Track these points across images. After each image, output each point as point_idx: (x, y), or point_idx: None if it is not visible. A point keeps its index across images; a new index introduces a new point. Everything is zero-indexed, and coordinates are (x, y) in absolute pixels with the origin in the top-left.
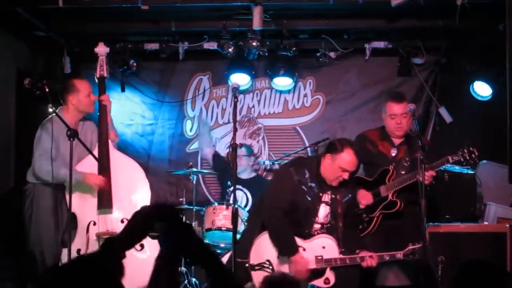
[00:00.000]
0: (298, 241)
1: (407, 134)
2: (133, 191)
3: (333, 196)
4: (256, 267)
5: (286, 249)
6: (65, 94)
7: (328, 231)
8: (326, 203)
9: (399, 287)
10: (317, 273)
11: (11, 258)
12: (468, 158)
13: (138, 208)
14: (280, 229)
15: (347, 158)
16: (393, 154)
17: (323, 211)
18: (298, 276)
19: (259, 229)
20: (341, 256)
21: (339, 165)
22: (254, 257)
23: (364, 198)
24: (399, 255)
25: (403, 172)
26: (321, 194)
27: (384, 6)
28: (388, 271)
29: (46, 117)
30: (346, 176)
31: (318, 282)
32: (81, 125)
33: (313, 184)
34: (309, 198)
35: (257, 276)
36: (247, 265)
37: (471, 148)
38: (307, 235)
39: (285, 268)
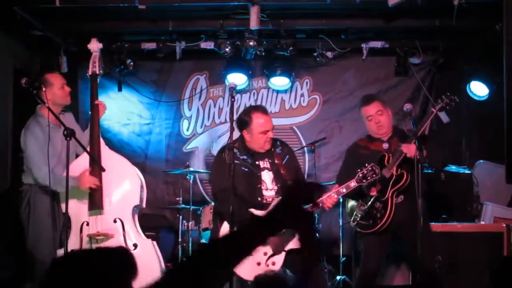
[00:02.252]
0: (258, 213)
1: (394, 129)
2: (125, 190)
3: (270, 161)
4: None
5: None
6: (40, 90)
7: (280, 194)
8: (268, 169)
9: (405, 286)
10: (289, 234)
11: (10, 257)
12: (449, 101)
13: (130, 206)
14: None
15: (260, 122)
16: (386, 148)
17: (267, 176)
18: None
19: (220, 222)
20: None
21: (258, 131)
22: None
23: (371, 188)
24: (353, 183)
25: None
26: (257, 162)
27: (381, 6)
28: (395, 271)
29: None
30: (271, 134)
31: (294, 243)
32: (61, 119)
33: (244, 157)
34: (246, 169)
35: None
36: None
37: (448, 93)
38: (264, 206)
39: None
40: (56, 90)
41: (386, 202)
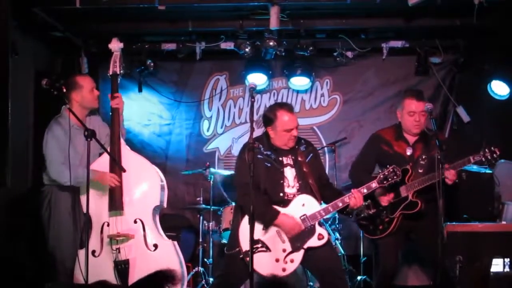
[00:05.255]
0: (279, 209)
1: (422, 131)
2: (145, 190)
3: (293, 158)
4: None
5: (268, 217)
6: (68, 91)
7: (301, 191)
8: (290, 165)
9: (419, 286)
10: (309, 232)
11: (30, 258)
12: (489, 157)
13: (150, 207)
14: (255, 203)
15: (285, 120)
16: (409, 153)
17: (290, 173)
18: (293, 233)
19: (241, 217)
20: (323, 207)
21: (282, 129)
22: (245, 243)
23: (385, 195)
24: (375, 184)
25: (421, 171)
26: (280, 159)
27: (402, 5)
28: (409, 270)
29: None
30: (295, 132)
31: (313, 241)
32: (88, 121)
33: (268, 152)
34: (268, 164)
35: (255, 261)
36: (241, 255)
37: (492, 148)
38: (285, 202)
39: (275, 237)
40: (85, 93)
41: (392, 220)
